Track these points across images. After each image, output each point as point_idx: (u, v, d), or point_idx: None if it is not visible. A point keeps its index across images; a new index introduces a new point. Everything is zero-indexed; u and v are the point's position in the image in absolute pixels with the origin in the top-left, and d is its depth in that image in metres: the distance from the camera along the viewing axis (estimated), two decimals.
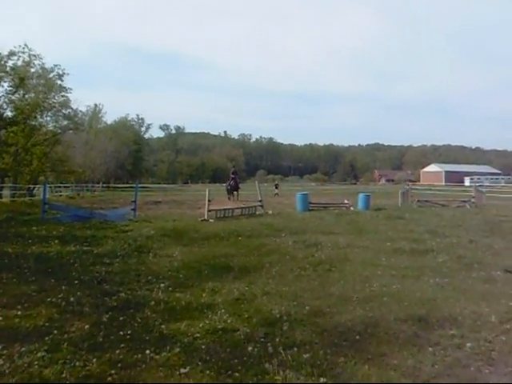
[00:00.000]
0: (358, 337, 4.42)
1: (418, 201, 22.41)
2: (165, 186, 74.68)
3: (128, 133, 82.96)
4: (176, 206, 24.50)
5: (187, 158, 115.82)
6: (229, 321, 4.87)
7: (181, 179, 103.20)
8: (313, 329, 4.65)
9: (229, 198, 24.85)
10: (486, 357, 4.00)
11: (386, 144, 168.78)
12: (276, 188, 35.88)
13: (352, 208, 19.83)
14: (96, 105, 69.76)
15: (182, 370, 3.72)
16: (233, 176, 25.79)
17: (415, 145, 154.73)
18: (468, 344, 4.24)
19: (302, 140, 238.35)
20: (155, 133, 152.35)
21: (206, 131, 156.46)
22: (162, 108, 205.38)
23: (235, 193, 25.35)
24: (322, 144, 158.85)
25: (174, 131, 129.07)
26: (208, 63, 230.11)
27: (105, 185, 49.66)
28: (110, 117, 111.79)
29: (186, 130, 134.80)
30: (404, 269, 7.33)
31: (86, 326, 4.67)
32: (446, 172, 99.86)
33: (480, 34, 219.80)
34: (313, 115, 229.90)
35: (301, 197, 19.95)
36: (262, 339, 4.39)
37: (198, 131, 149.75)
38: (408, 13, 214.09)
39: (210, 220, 14.96)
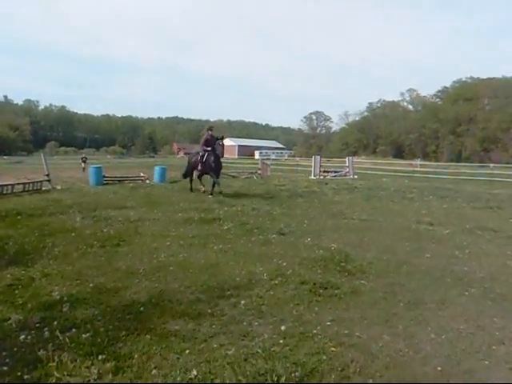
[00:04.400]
0: (142, 308, 4.44)
1: None
2: None
3: None
4: None
5: None
6: None
7: None
8: (96, 306, 4.50)
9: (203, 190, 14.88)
10: (256, 311, 4.47)
11: (185, 117, 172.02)
12: (84, 162, 33.09)
13: (148, 181, 19.74)
14: None
15: None
16: (208, 149, 14.48)
17: (212, 119, 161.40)
18: (242, 301, 4.67)
19: (98, 110, 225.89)
20: None
21: None
22: None
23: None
24: (120, 115, 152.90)
25: None
26: None
27: None
28: None
29: None
30: (192, 238, 7.65)
31: None
32: (239, 146, 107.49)
33: (274, 20, 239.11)
34: (110, 85, 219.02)
35: (94, 170, 18.90)
36: (38, 325, 4.06)
37: None
38: None
39: None
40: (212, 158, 14.41)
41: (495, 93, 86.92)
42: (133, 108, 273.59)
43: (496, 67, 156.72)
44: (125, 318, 4.24)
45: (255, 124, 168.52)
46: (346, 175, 26.97)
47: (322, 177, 25.49)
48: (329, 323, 4.21)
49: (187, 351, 3.60)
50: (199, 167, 14.94)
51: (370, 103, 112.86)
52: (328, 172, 27.53)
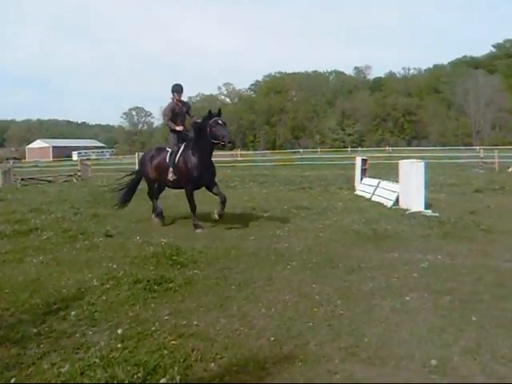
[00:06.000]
0: None
1: (23, 179, 21.32)
2: None
3: None
4: None
5: None
6: None
7: None
8: None
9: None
10: (89, 319, 4.21)
11: None
12: None
13: None
14: None
15: None
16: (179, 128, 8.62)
17: (19, 119, 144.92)
18: (72, 313, 4.34)
19: None
20: None
21: None
22: None
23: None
24: None
25: None
26: None
27: None
28: None
29: None
30: (4, 254, 6.75)
31: None
32: (54, 147, 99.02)
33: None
34: None
35: None
36: None
37: None
38: None
39: None
40: (194, 159, 8.04)
41: (300, 86, 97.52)
42: None
43: (299, 62, 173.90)
44: None
45: (70, 123, 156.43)
46: None
47: None
48: (166, 317, 4.22)
49: (13, 380, 3.21)
50: (170, 175, 8.32)
51: (189, 97, 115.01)
52: None
